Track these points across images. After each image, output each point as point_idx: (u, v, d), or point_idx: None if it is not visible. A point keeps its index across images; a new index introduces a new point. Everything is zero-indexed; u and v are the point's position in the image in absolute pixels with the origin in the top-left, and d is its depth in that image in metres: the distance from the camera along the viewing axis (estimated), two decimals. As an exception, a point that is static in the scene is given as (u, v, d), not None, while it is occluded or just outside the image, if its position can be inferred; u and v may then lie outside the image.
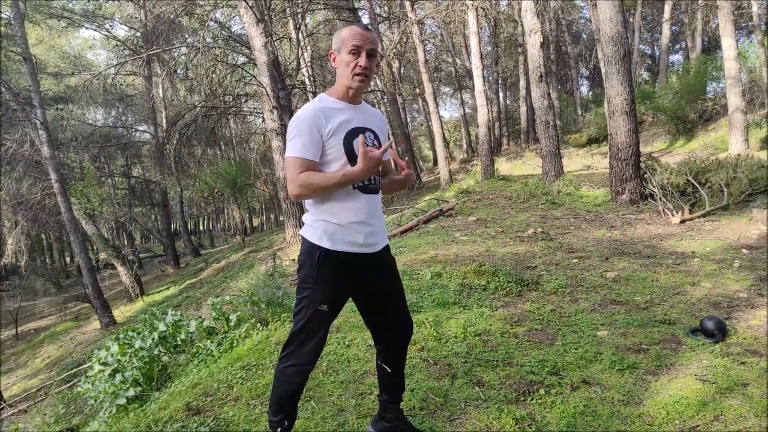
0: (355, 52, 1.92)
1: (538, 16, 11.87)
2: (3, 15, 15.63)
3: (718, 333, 3.22)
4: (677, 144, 17.03)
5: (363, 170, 1.87)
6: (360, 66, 1.93)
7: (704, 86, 18.65)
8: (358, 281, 2.06)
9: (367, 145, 1.97)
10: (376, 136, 2.06)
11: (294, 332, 2.02)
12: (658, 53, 30.93)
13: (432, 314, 3.94)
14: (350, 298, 2.19)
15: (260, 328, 4.20)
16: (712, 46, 25.95)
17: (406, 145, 20.75)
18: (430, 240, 7.11)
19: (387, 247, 2.16)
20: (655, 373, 2.86)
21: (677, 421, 2.37)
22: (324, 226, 1.97)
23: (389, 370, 2.24)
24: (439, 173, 17.68)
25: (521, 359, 3.12)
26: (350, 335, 3.65)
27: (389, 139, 2.13)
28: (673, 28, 27.42)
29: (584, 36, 34.75)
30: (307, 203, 2.03)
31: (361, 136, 1.92)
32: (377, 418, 2.35)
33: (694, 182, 8.07)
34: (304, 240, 2.04)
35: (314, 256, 1.96)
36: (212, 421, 2.71)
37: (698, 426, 2.33)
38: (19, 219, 17.37)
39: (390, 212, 11.67)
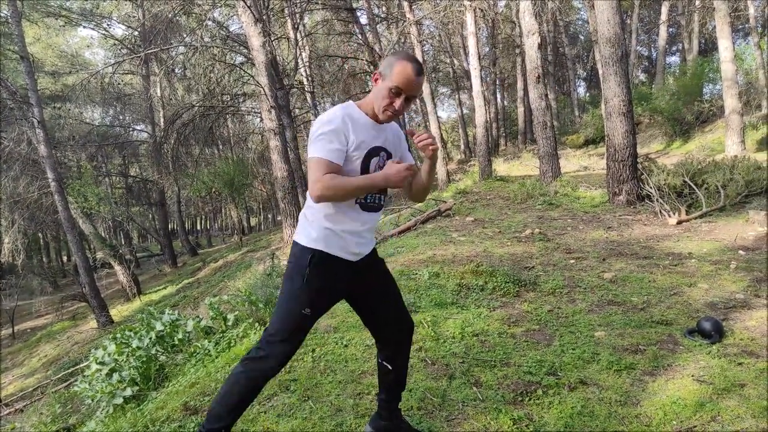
0: (397, 93, 1.90)
1: (536, 18, 11.90)
2: (0, 13, 15.59)
3: (715, 334, 3.23)
4: (674, 145, 17.08)
5: (386, 177, 1.87)
6: (394, 107, 1.92)
7: (701, 88, 18.73)
8: (345, 286, 2.07)
9: (379, 167, 1.98)
10: (390, 157, 2.05)
11: (269, 334, 1.99)
12: (655, 55, 31.04)
13: (430, 314, 3.94)
14: (345, 300, 2.19)
15: (258, 328, 4.20)
16: (708, 48, 26.07)
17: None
18: (427, 240, 7.12)
19: (374, 250, 2.17)
20: (652, 373, 2.87)
21: (674, 422, 2.38)
22: (320, 229, 1.98)
23: (389, 368, 2.23)
24: (436, 173, 17.68)
25: (519, 359, 3.13)
26: (348, 335, 3.65)
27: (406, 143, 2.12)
28: (670, 29, 27.49)
29: (582, 37, 34.84)
30: (310, 203, 2.02)
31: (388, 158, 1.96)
32: (375, 417, 2.35)
33: (690, 183, 8.09)
34: (295, 244, 2.03)
35: (306, 259, 1.96)
36: (210, 421, 2.70)
37: (695, 427, 2.33)
38: (15, 218, 17.33)
39: (388, 212, 11.67)
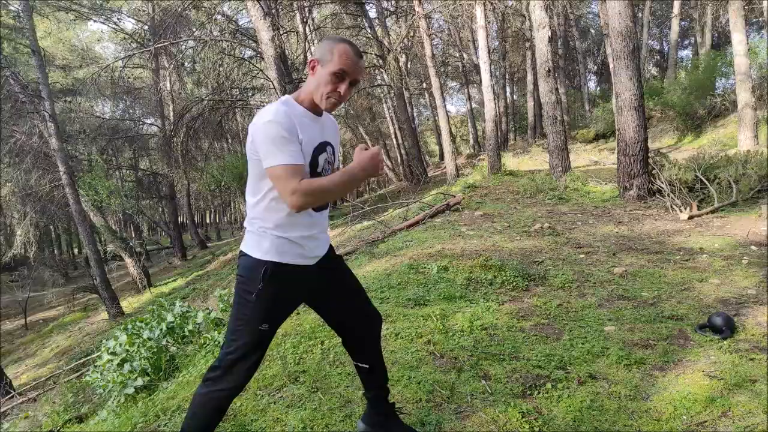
0: (341, 77, 1.79)
1: (546, 11, 11.78)
2: (12, 8, 15.70)
3: (726, 329, 3.20)
4: (686, 140, 16.92)
5: (363, 168, 1.77)
6: (339, 93, 1.81)
7: (713, 82, 18.50)
8: (302, 293, 2.00)
9: (328, 162, 1.91)
10: (334, 150, 1.97)
11: (227, 353, 1.86)
12: (667, 49, 30.69)
13: (438, 308, 3.94)
14: (306, 305, 2.11)
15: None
16: (721, 42, 25.71)
17: (412, 140, 20.70)
18: (436, 234, 7.11)
19: (330, 247, 2.07)
20: (662, 368, 2.86)
21: (684, 417, 2.37)
22: (272, 239, 1.85)
23: (367, 367, 2.18)
24: (445, 168, 17.65)
25: (528, 353, 3.13)
26: (357, 328, 3.66)
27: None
28: (683, 23, 27.16)
29: (592, 31, 34.55)
30: (255, 214, 1.88)
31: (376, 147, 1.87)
32: (366, 413, 2.31)
33: (702, 178, 8.02)
34: (243, 255, 1.89)
35: (259, 272, 1.82)
36: (220, 411, 2.72)
37: (706, 422, 2.32)
38: (27, 210, 17.54)
39: (396, 206, 11.67)
